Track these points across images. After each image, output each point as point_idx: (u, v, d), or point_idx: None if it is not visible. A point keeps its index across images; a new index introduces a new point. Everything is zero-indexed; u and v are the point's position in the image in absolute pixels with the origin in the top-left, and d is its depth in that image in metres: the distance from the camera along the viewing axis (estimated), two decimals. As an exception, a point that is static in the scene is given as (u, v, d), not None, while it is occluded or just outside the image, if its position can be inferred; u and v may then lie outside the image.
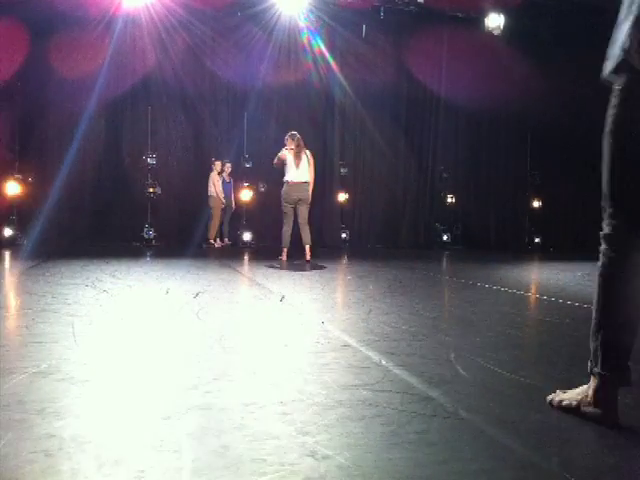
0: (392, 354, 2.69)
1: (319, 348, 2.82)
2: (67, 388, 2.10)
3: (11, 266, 6.81)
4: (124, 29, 9.81)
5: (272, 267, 6.92)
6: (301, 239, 7.70)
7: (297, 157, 7.54)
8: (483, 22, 10.91)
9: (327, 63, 10.92)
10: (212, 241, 10.29)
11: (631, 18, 1.77)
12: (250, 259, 8.61)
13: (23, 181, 9.61)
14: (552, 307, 4.34)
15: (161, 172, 10.46)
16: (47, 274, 5.68)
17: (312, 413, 1.89)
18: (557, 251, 11.37)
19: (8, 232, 9.28)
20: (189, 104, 10.60)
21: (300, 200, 7.61)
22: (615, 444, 1.72)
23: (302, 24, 10.63)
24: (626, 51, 1.76)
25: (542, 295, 4.95)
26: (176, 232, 10.52)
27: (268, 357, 2.62)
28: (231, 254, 9.14)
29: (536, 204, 12.18)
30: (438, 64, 11.64)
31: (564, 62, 11.07)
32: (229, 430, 1.73)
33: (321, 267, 7.11)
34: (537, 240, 11.89)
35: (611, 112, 1.82)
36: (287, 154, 7.55)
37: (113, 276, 5.59)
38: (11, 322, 3.48)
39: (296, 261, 7.60)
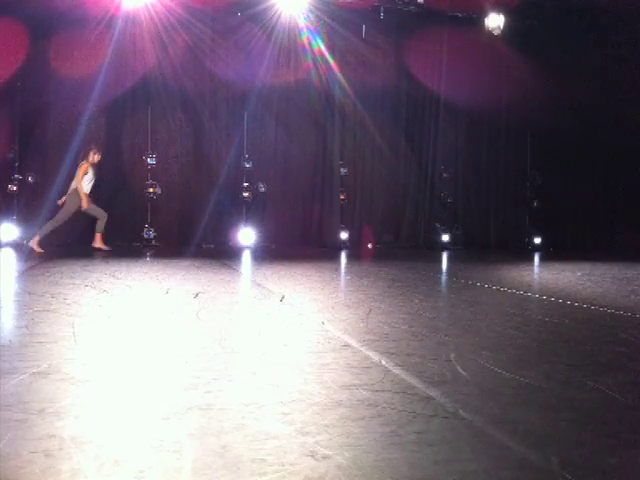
0: (392, 354, 2.69)
1: (319, 348, 2.82)
2: (67, 388, 2.10)
3: (11, 266, 6.81)
4: (124, 29, 9.80)
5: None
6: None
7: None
8: (483, 22, 10.91)
9: (327, 63, 10.92)
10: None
11: None
12: (250, 259, 8.61)
13: (23, 181, 9.61)
14: (552, 307, 4.34)
15: (161, 172, 10.45)
16: (47, 274, 5.68)
17: (312, 413, 1.89)
18: (557, 251, 11.38)
19: (8, 232, 9.28)
20: (189, 104, 10.59)
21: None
22: (615, 444, 1.72)
23: (302, 24, 10.63)
24: None
25: (542, 295, 4.95)
26: (176, 232, 10.52)
27: (268, 357, 2.62)
28: (231, 254, 9.14)
29: (536, 204, 12.18)
30: (438, 64, 11.63)
31: (564, 62, 11.07)
32: (229, 430, 1.73)
33: (321, 267, 7.11)
34: (537, 240, 11.89)
35: None
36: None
37: (113, 276, 5.59)
38: (11, 322, 3.49)
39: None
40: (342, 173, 11.28)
